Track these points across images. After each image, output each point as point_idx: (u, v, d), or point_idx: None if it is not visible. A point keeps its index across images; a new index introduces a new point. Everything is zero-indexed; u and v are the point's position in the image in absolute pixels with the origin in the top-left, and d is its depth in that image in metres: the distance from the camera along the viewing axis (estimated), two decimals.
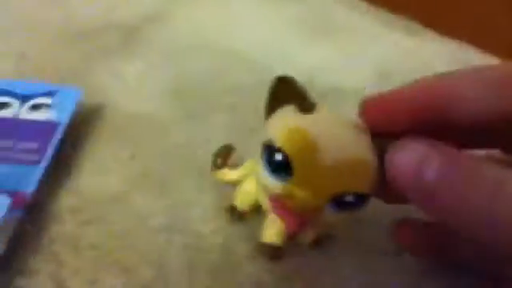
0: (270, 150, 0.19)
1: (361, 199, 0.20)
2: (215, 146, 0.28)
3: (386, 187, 0.18)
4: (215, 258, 0.25)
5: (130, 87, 0.36)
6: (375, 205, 0.21)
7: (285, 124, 0.20)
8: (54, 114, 0.29)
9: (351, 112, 0.20)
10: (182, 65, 0.38)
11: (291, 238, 0.23)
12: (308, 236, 0.24)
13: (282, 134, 0.19)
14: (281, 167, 0.19)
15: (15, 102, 0.29)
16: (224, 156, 0.27)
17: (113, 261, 0.24)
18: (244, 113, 0.33)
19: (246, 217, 0.26)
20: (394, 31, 0.44)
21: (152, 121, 0.33)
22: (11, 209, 0.23)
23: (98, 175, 0.28)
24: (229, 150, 0.27)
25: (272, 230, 0.23)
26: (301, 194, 0.19)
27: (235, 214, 0.26)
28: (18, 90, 0.30)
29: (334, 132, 0.19)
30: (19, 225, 0.24)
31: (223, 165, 0.27)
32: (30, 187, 0.25)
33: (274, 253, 0.24)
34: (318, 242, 0.24)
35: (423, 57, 0.41)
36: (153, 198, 0.27)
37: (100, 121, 0.32)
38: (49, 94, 0.30)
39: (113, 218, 0.26)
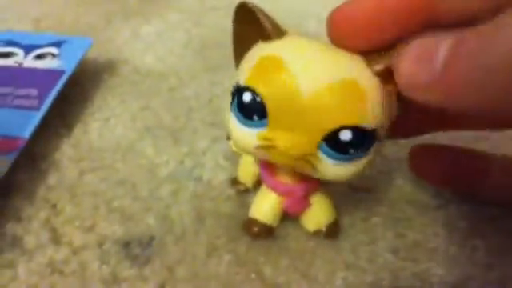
0: (236, 93, 0.15)
1: (362, 135, 0.15)
2: None
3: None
4: (225, 208, 0.21)
5: (147, 45, 0.33)
6: None
7: (249, 59, 0.16)
8: (59, 63, 0.27)
9: None
10: (204, 24, 0.36)
11: (293, 217, 0.20)
12: (312, 219, 0.20)
13: (246, 69, 0.15)
14: (251, 108, 0.15)
15: (19, 52, 0.27)
16: None
17: (113, 208, 0.21)
18: None
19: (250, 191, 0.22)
20: None
21: (168, 75, 0.30)
22: (4, 151, 0.21)
23: (105, 125, 0.26)
24: None
25: (262, 205, 0.19)
26: (282, 138, 0.15)
27: (238, 188, 0.22)
28: (23, 41, 0.28)
29: (310, 52, 0.15)
30: (13, 170, 0.21)
31: None
32: (25, 132, 0.22)
33: (260, 231, 0.19)
34: (331, 230, 0.20)
35: None
36: (163, 148, 0.25)
37: (113, 75, 0.30)
38: (56, 44, 0.28)
39: (118, 166, 0.23)
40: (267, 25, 0.16)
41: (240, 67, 0.17)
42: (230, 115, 0.16)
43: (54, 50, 0.28)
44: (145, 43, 0.33)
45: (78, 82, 0.29)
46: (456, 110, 0.14)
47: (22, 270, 0.19)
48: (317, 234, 0.20)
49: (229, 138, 0.24)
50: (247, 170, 0.22)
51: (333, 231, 0.20)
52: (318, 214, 0.20)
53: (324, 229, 0.20)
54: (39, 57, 0.27)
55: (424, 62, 0.13)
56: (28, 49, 0.28)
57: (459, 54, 0.13)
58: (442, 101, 0.13)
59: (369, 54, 0.15)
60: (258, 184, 0.21)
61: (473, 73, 0.12)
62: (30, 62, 0.27)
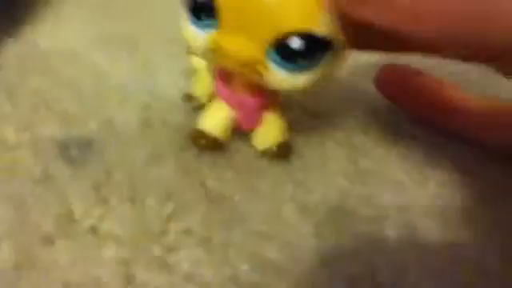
0: None
1: (313, 44, 0.14)
2: None
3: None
4: (175, 120, 0.20)
5: None
6: None
7: None
8: None
9: None
10: None
11: (244, 133, 0.19)
12: (263, 137, 0.19)
13: None
14: (202, 8, 0.14)
15: None
16: None
17: (54, 111, 0.20)
18: None
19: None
20: None
21: None
22: None
23: (57, 30, 0.24)
24: None
25: (211, 117, 0.18)
26: (230, 41, 0.14)
27: (193, 103, 0.21)
28: None
29: None
30: None
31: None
32: None
33: (207, 144, 0.19)
34: (280, 151, 0.19)
35: None
36: (116, 59, 0.23)
37: None
38: None
39: (65, 71, 0.22)
40: None
41: None
42: (184, 17, 0.15)
43: None
44: None
45: None
46: (410, 36, 0.12)
47: None
48: (266, 153, 0.19)
49: (189, 53, 0.22)
50: (202, 85, 0.21)
51: (283, 151, 0.19)
52: (269, 132, 0.19)
53: (274, 148, 0.19)
54: None
55: None
56: None
57: None
58: (392, 25, 0.12)
59: None
60: (212, 100, 0.20)
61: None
62: None
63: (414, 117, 0.21)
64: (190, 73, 0.22)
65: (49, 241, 0.15)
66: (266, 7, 0.13)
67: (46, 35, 0.23)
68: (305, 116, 0.22)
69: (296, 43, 0.14)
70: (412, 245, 0.17)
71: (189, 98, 0.21)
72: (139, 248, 0.15)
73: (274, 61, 0.14)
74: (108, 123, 0.19)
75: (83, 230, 0.16)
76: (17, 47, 0.23)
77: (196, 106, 0.21)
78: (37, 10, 0.25)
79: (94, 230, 0.16)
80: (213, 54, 0.15)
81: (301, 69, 0.14)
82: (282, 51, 0.14)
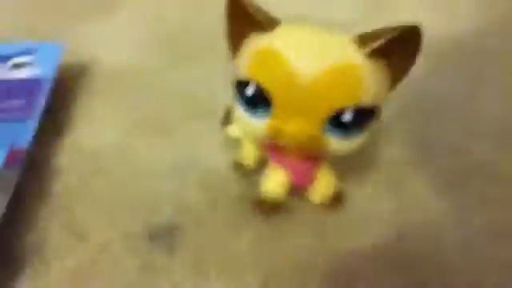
0: (239, 85, 0.17)
1: (363, 114, 0.16)
2: (217, 86, 0.27)
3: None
4: (234, 190, 0.23)
5: (114, 41, 0.33)
6: None
7: (247, 50, 0.17)
8: (37, 70, 0.27)
9: None
10: (166, 15, 0.36)
11: (299, 192, 0.21)
12: (319, 191, 0.21)
13: (246, 63, 0.16)
14: (256, 100, 0.16)
15: None
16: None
17: (132, 205, 0.22)
18: None
19: (254, 172, 0.23)
20: None
21: (143, 70, 0.31)
22: (7, 165, 0.21)
23: (96, 129, 0.26)
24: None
25: (272, 181, 0.20)
26: (289, 126, 0.16)
27: (241, 170, 0.23)
28: None
29: (306, 41, 0.16)
30: (20, 181, 0.22)
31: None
32: (23, 143, 0.23)
33: (271, 207, 0.21)
34: (335, 200, 0.21)
35: None
36: (158, 145, 0.25)
37: (88, 77, 0.30)
38: (28, 52, 0.28)
39: (117, 169, 0.24)
40: (260, 17, 0.17)
41: (239, 61, 0.17)
42: (236, 107, 0.17)
43: (27, 58, 0.28)
44: (110, 40, 0.33)
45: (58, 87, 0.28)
46: None
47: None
48: (322, 205, 0.21)
49: (223, 125, 0.25)
50: (249, 152, 0.23)
51: (337, 200, 0.22)
52: (322, 186, 0.21)
53: (329, 200, 0.21)
54: (15, 66, 0.27)
55: None
56: (1, 59, 0.27)
57: None
58: None
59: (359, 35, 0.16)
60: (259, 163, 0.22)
61: None
62: (6, 73, 0.27)
63: None
64: (230, 143, 0.25)
65: None
66: (316, 91, 0.15)
67: (88, 138, 0.26)
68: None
69: (347, 117, 0.16)
70: None
71: (239, 165, 0.23)
72: None
73: (331, 133, 0.16)
74: (181, 207, 0.22)
75: None
76: (68, 154, 0.25)
77: (247, 171, 0.23)
78: (72, 117, 0.27)
79: None
80: (274, 138, 0.17)
81: (354, 135, 0.17)
82: (337, 125, 0.16)
